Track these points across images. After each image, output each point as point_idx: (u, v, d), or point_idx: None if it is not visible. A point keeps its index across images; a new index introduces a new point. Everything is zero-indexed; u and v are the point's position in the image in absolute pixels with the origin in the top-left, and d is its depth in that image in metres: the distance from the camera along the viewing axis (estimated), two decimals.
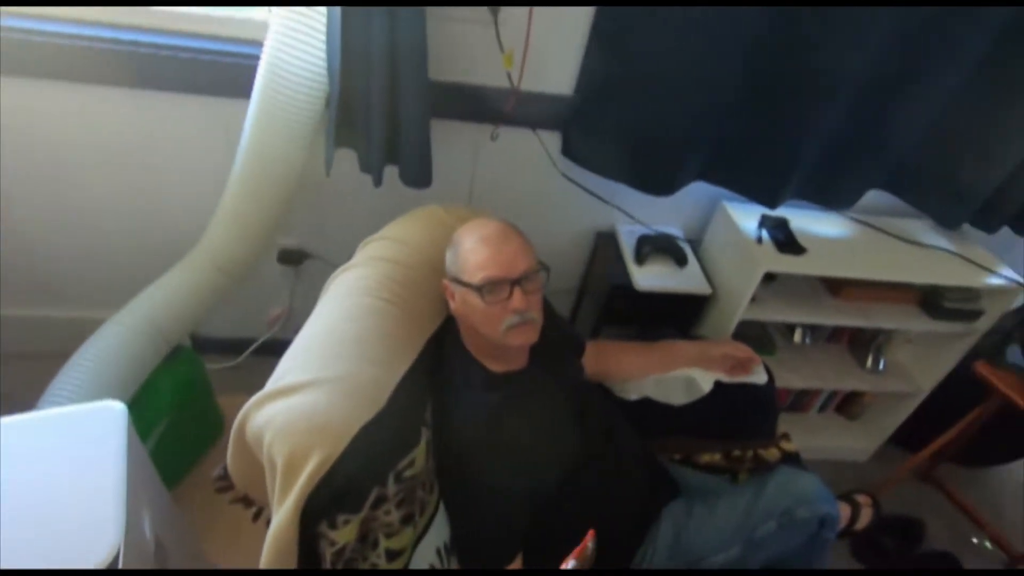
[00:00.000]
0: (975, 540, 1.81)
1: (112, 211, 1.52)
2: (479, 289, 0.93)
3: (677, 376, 1.30)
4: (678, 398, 1.30)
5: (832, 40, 1.20)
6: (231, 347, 1.84)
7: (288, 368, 0.88)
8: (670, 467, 1.28)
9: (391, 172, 1.36)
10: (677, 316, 1.60)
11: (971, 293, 1.60)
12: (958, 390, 1.71)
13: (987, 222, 1.60)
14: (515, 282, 0.94)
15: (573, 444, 1.06)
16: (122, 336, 1.23)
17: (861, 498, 1.67)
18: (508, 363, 1.01)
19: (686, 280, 1.55)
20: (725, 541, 1.06)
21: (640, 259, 1.55)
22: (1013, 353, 1.49)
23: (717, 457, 1.30)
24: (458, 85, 1.35)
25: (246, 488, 0.96)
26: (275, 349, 0.94)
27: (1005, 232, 1.65)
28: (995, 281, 1.52)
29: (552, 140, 1.49)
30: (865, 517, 1.62)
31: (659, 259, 1.57)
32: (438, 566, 0.92)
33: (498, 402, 0.97)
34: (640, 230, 1.64)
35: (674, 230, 1.68)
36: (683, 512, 1.13)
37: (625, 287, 1.52)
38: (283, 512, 0.77)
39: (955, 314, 1.60)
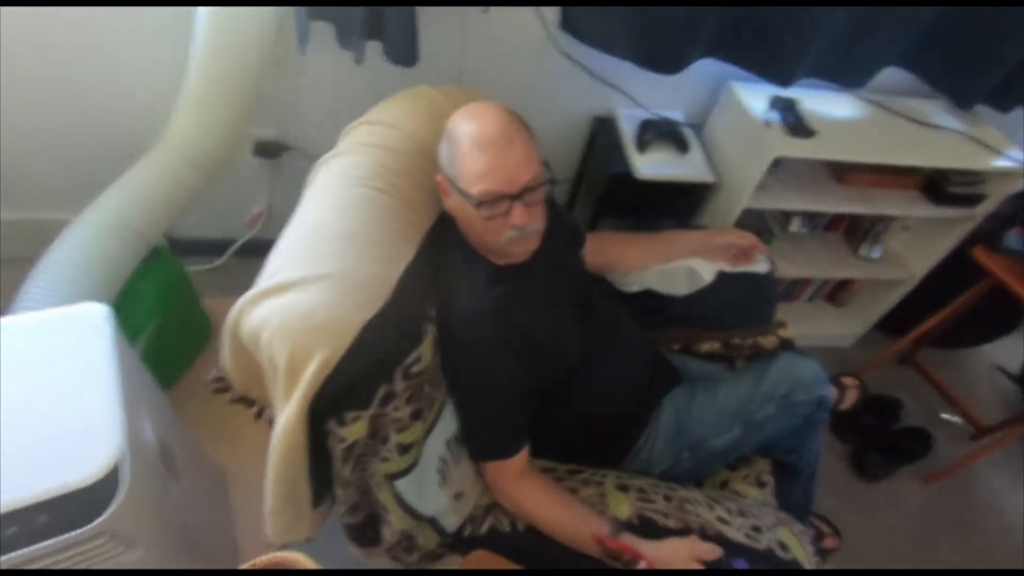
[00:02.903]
0: (946, 416, 1.92)
1: (57, 104, 1.37)
2: (476, 202, 0.85)
3: (679, 266, 1.27)
4: (680, 289, 1.28)
5: None
6: (211, 248, 1.77)
7: (280, 265, 0.82)
8: (671, 356, 1.29)
9: (373, 49, 1.22)
10: (678, 206, 1.55)
11: (976, 177, 1.56)
12: (942, 276, 1.73)
13: (1001, 101, 1.53)
14: (516, 197, 0.85)
15: (578, 336, 1.04)
16: (94, 236, 1.14)
17: (847, 380, 1.74)
18: (512, 258, 0.96)
19: (689, 167, 1.47)
20: (726, 424, 1.09)
21: (641, 146, 1.46)
22: (1011, 238, 1.48)
23: (716, 346, 1.31)
24: None
25: (245, 388, 0.93)
26: (257, 249, 0.87)
27: (1016, 114, 1.58)
28: (1002, 163, 1.48)
29: (549, 14, 1.34)
30: (851, 398, 1.70)
31: (661, 145, 1.49)
32: (447, 458, 0.92)
33: (503, 295, 0.93)
34: (641, 114, 1.54)
35: (676, 114, 1.58)
36: (685, 398, 1.14)
37: (624, 176, 1.44)
38: (288, 412, 0.74)
39: (958, 199, 1.57)
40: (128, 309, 1.20)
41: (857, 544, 1.57)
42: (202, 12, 1.07)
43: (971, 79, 1.47)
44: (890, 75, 1.50)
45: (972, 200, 1.57)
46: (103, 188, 1.23)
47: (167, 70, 1.25)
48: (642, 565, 0.86)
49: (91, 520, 0.70)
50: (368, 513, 0.94)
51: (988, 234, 1.54)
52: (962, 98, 1.52)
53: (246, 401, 0.97)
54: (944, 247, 1.69)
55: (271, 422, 0.85)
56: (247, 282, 0.83)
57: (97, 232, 1.14)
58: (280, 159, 1.57)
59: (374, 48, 1.22)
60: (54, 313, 0.84)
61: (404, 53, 1.18)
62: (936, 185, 1.57)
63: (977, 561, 1.62)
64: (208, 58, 1.13)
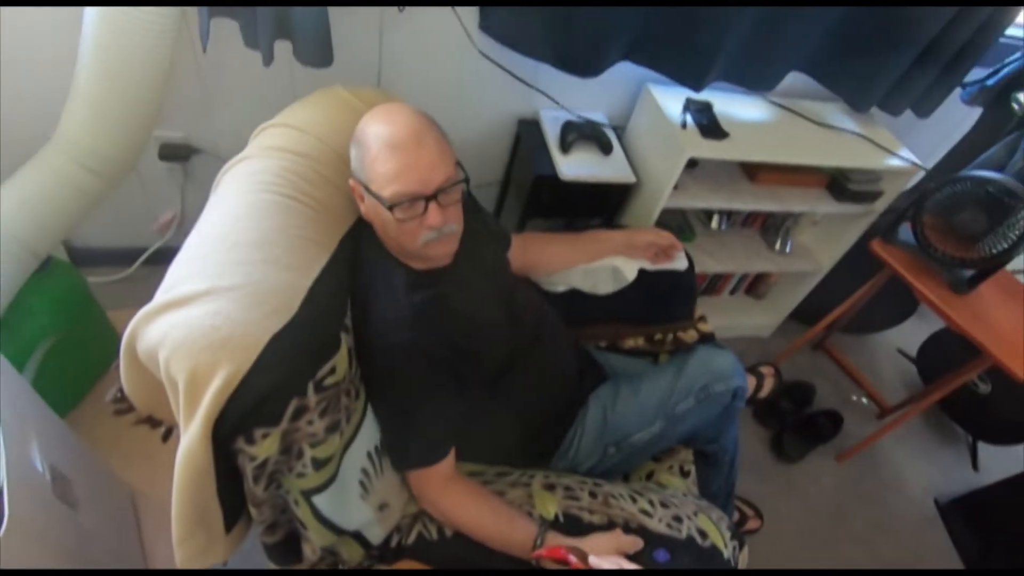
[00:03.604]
0: (855, 397, 2.06)
1: None
2: (389, 204, 0.83)
3: (603, 265, 1.30)
4: (604, 287, 1.31)
5: None
6: (119, 257, 1.66)
7: (180, 277, 0.77)
8: (596, 354, 1.31)
9: (284, 49, 1.17)
10: (602, 206, 1.58)
11: (873, 175, 1.68)
12: (849, 267, 1.85)
13: (892, 105, 1.65)
14: (430, 197, 0.84)
15: (504, 338, 1.04)
16: None
17: (764, 369, 1.83)
18: (431, 262, 0.95)
19: (611, 168, 1.51)
20: (648, 418, 1.12)
21: (565, 147, 1.48)
22: (904, 231, 1.60)
23: (640, 341, 1.35)
24: None
25: (148, 409, 0.88)
26: (169, 257, 0.82)
27: (907, 115, 1.71)
28: (894, 163, 1.60)
29: (469, 13, 1.33)
30: (768, 386, 1.79)
31: (584, 147, 1.52)
32: (370, 469, 0.90)
33: (423, 302, 0.92)
34: (564, 116, 1.56)
35: (599, 116, 1.61)
36: (610, 395, 1.17)
37: (550, 177, 1.46)
38: (191, 434, 0.71)
39: (858, 196, 1.68)
40: (16, 327, 1.11)
41: (778, 524, 1.66)
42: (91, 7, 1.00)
43: (865, 84, 1.58)
44: (795, 80, 1.59)
45: (870, 197, 1.70)
46: None
47: (61, 68, 1.16)
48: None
49: None
50: (288, 531, 0.91)
51: (885, 228, 1.66)
52: (858, 101, 1.63)
53: (151, 422, 0.92)
54: (848, 240, 1.81)
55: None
56: None
57: None
58: (190, 162, 1.49)
59: (285, 48, 1.17)
60: None
61: (316, 54, 1.14)
62: (838, 183, 1.68)
63: (885, 533, 1.75)
64: (98, 54, 1.04)
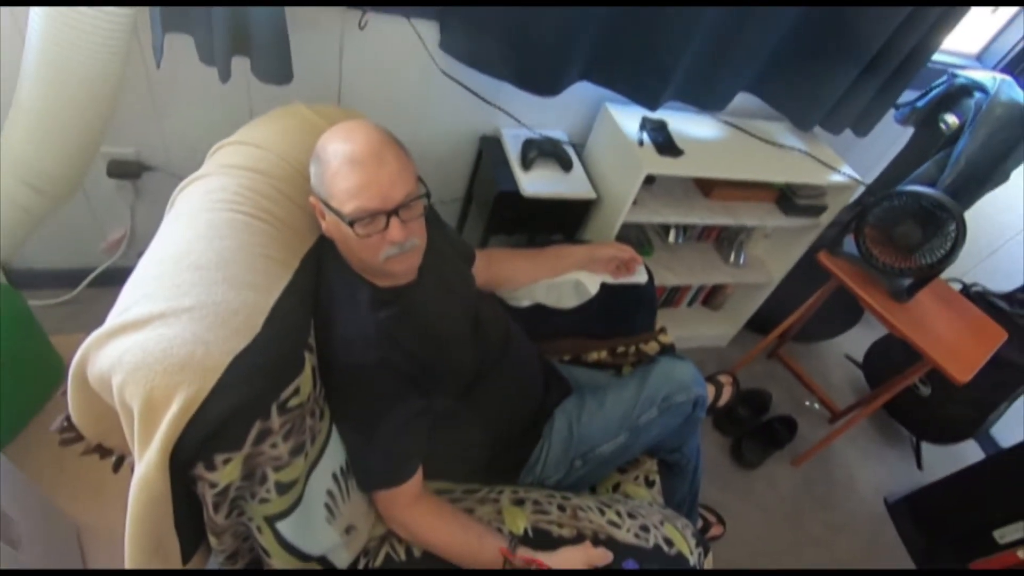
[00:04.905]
0: (808, 403, 2.14)
1: None
2: (350, 220, 0.83)
3: (566, 280, 1.32)
4: (568, 301, 1.33)
5: None
6: (64, 279, 1.59)
7: (134, 299, 0.75)
8: (560, 367, 1.33)
9: (242, 65, 1.16)
10: (564, 221, 1.61)
11: (818, 190, 1.77)
12: (799, 278, 1.93)
13: (833, 124, 1.75)
14: (391, 213, 0.84)
15: (470, 353, 1.04)
16: None
17: (723, 378, 1.89)
18: (395, 279, 0.95)
19: (572, 185, 1.54)
20: (613, 430, 1.14)
21: (526, 164, 1.51)
22: (848, 243, 1.69)
23: (604, 354, 1.37)
24: None
25: (99, 437, 0.84)
26: (117, 278, 0.79)
27: (847, 134, 1.81)
28: (837, 178, 1.69)
29: (429, 31, 1.35)
30: (726, 394, 1.84)
31: (545, 164, 1.54)
32: (335, 491, 0.88)
33: (387, 319, 0.91)
34: (525, 134, 1.59)
35: (559, 134, 1.65)
36: (575, 408, 1.18)
37: (512, 194, 1.48)
38: (146, 462, 0.68)
39: (805, 210, 1.77)
40: None
41: (740, 529, 1.70)
42: (35, 13, 0.95)
43: (808, 104, 1.67)
44: (744, 100, 1.67)
45: (815, 211, 1.78)
46: None
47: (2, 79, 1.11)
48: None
49: None
50: (250, 559, 0.88)
51: (831, 240, 1.74)
52: (802, 121, 1.72)
53: (101, 450, 0.87)
54: (797, 252, 1.89)
55: (133, 470, 0.77)
56: (105, 316, 0.75)
57: None
58: (141, 180, 1.44)
59: (243, 64, 1.16)
60: None
61: (275, 71, 1.13)
62: (786, 198, 1.76)
63: (841, 533, 1.81)
64: (43, 68, 1.00)
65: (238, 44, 1.09)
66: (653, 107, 1.49)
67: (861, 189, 1.79)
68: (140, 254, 0.83)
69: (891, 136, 1.94)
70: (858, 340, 2.30)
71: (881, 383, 1.99)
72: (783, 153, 1.70)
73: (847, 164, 1.73)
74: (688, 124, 1.63)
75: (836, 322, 2.26)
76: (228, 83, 1.15)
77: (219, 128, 1.05)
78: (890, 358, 2.00)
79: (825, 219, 1.80)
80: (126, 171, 1.39)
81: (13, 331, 1.23)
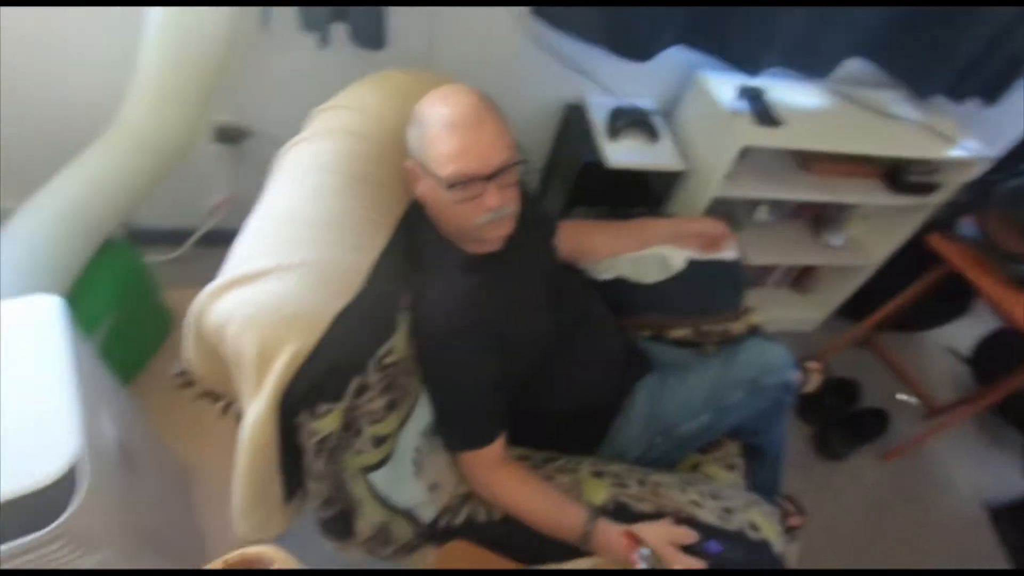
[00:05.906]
0: (902, 396, 2.00)
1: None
2: (448, 184, 0.83)
3: (651, 254, 1.28)
4: (651, 276, 1.29)
5: None
6: (171, 238, 1.70)
7: (247, 254, 0.79)
8: (642, 343, 1.30)
9: (340, 32, 1.18)
10: (648, 194, 1.56)
11: (932, 166, 1.61)
12: (900, 263, 1.79)
13: (956, 91, 1.58)
14: (489, 178, 0.84)
15: (550, 325, 1.04)
16: (45, 224, 1.08)
17: (811, 364, 1.79)
18: (486, 245, 0.95)
19: (659, 156, 1.48)
20: (696, 409, 1.10)
21: (613, 133, 1.46)
22: (963, 226, 1.54)
23: (687, 332, 1.33)
24: None
25: (211, 382, 0.90)
26: (219, 239, 0.84)
27: (970, 105, 1.63)
28: (957, 153, 1.53)
29: None
30: (814, 381, 1.75)
31: (632, 134, 1.49)
32: (422, 449, 0.91)
33: (475, 285, 0.92)
34: (612, 102, 1.54)
35: (646, 102, 1.58)
36: (656, 385, 1.15)
37: (596, 164, 1.44)
38: (257, 406, 0.72)
39: (915, 188, 1.62)
40: (83, 301, 1.15)
41: (821, 521, 1.63)
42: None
43: (929, 70, 1.51)
44: (853, 65, 1.54)
45: (928, 188, 1.63)
46: (48, 176, 1.16)
47: (120, 61, 1.19)
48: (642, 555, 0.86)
49: (48, 523, 0.67)
50: (342, 506, 0.92)
51: (943, 222, 1.60)
52: (921, 88, 1.57)
53: (212, 395, 0.94)
54: (902, 234, 1.74)
55: (239, 416, 0.82)
56: (209, 273, 0.80)
57: (49, 220, 1.08)
58: (242, 145, 1.51)
59: (341, 31, 1.18)
60: (4, 306, 0.79)
61: (371, 37, 1.15)
62: (895, 174, 1.62)
63: (929, 534, 1.70)
64: (165, 42, 1.07)
65: (338, 11, 1.11)
66: (754, 72, 1.40)
67: (984, 166, 1.62)
68: (241, 216, 0.87)
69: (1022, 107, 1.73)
70: (962, 332, 2.11)
71: (991, 380, 1.83)
72: (895, 124, 1.56)
73: (969, 137, 1.56)
74: (789, 92, 1.53)
75: (939, 311, 2.08)
76: (322, 50, 1.18)
77: (315, 94, 1.08)
78: (1004, 354, 1.83)
79: (938, 198, 1.64)
80: (229, 136, 1.47)
81: (131, 283, 1.34)
